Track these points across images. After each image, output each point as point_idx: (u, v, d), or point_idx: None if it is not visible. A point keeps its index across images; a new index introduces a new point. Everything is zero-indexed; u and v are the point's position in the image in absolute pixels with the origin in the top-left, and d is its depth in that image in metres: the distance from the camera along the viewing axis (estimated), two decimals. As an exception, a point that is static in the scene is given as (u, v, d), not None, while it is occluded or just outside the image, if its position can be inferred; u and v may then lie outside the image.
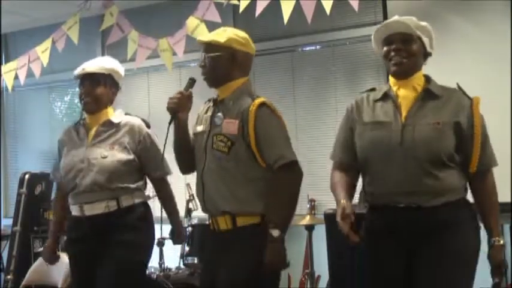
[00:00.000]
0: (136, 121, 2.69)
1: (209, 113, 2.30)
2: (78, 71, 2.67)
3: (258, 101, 2.17)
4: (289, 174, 2.15)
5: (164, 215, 2.84)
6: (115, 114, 2.70)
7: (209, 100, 2.36)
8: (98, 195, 2.55)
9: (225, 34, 2.24)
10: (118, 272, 2.51)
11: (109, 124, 2.66)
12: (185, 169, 2.40)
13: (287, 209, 2.15)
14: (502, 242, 2.01)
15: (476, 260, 2.04)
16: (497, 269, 2.01)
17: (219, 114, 2.23)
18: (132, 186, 2.61)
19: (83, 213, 2.58)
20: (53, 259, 2.84)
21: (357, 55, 4.22)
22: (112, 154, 2.57)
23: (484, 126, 2.07)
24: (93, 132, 2.65)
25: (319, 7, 3.54)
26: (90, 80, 2.64)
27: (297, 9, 3.60)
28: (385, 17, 3.56)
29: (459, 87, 2.13)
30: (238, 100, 2.22)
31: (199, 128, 2.31)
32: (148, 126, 2.71)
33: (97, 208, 2.56)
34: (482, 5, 3.34)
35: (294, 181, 2.16)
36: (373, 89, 2.26)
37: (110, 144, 2.60)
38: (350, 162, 2.19)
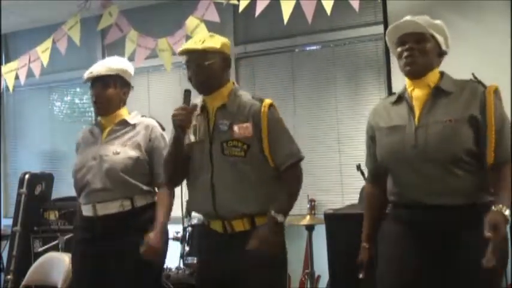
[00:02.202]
0: (152, 122, 2.69)
1: (195, 121, 2.26)
2: (86, 74, 2.65)
3: (267, 102, 2.23)
4: (297, 172, 2.25)
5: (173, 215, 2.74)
6: (130, 116, 2.70)
7: None
8: (111, 194, 2.53)
9: (217, 40, 2.25)
10: (133, 273, 2.49)
11: (124, 124, 2.66)
12: (177, 182, 2.41)
13: (291, 204, 2.24)
14: (506, 212, 1.81)
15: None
16: (492, 228, 1.78)
17: (224, 120, 2.22)
18: (145, 188, 2.59)
19: (96, 213, 2.54)
20: None
21: (357, 55, 4.21)
22: (124, 151, 2.56)
23: (501, 114, 1.98)
24: (107, 131, 2.66)
25: (319, 7, 3.54)
26: (100, 83, 2.62)
27: (297, 9, 3.60)
28: (385, 17, 3.55)
29: (474, 77, 2.10)
30: (241, 103, 2.24)
31: (193, 138, 2.26)
32: (163, 129, 2.69)
33: (111, 207, 2.53)
34: (482, 5, 3.34)
35: (300, 178, 2.26)
36: (390, 95, 2.28)
37: (123, 142, 2.59)
38: (379, 170, 2.22)
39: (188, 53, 2.24)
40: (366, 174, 2.39)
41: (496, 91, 2.00)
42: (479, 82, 2.07)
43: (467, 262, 1.93)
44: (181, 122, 2.20)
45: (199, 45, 2.22)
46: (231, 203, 2.18)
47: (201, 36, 2.28)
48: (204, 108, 2.29)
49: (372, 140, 2.23)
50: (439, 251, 1.99)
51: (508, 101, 3.13)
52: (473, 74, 2.11)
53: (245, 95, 2.29)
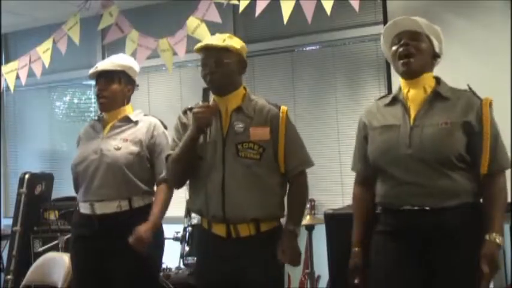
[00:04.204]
0: (155, 120, 2.70)
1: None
2: (92, 70, 2.67)
3: (284, 109, 2.25)
4: (306, 178, 2.29)
5: (168, 215, 2.72)
6: (134, 113, 2.70)
7: (190, 109, 2.26)
8: (110, 192, 2.53)
9: (237, 41, 2.25)
10: (131, 272, 2.50)
11: (127, 120, 2.66)
12: (182, 184, 2.33)
13: (304, 209, 2.32)
14: (499, 240, 1.95)
15: None
16: (487, 262, 1.92)
17: (239, 122, 2.20)
18: (144, 188, 2.59)
19: (94, 212, 2.55)
20: None
21: (357, 55, 4.22)
22: (126, 146, 2.57)
23: (495, 127, 2.04)
24: (109, 126, 2.66)
25: (319, 7, 3.53)
26: (104, 78, 2.64)
27: (297, 9, 3.60)
28: (385, 17, 3.55)
29: (470, 89, 2.12)
30: (258, 107, 2.24)
31: (203, 138, 2.20)
32: (165, 127, 2.70)
33: (109, 207, 2.53)
34: (482, 5, 3.33)
35: (307, 184, 2.30)
36: (385, 96, 2.27)
37: (124, 137, 2.60)
38: (369, 172, 2.20)
39: (207, 49, 2.20)
40: (355, 176, 2.32)
41: (491, 104, 2.04)
42: (475, 94, 2.10)
43: (456, 264, 1.96)
44: (204, 120, 2.12)
45: (220, 43, 2.20)
46: (242, 207, 2.15)
47: (221, 36, 2.25)
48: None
49: (364, 139, 2.21)
50: (427, 254, 2.01)
51: (508, 101, 3.14)
52: (468, 85, 2.13)
53: (259, 99, 2.29)
